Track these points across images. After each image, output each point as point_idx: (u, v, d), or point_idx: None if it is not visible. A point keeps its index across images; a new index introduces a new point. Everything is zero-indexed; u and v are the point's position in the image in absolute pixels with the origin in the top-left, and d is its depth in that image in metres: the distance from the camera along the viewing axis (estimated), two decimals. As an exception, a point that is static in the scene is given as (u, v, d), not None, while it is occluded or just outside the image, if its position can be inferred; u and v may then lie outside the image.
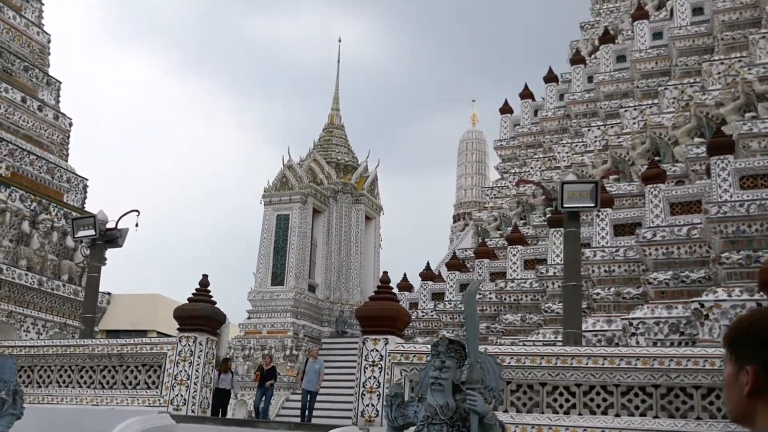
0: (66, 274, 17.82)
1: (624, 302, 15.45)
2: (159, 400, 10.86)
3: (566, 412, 8.30)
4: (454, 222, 43.52)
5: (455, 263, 21.98)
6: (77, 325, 16.99)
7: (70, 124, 19.61)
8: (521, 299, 18.55)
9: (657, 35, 21.95)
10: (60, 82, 19.72)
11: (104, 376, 11.54)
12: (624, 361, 8.03)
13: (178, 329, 11.20)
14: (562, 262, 16.97)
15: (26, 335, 16.55)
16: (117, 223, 13.52)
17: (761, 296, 11.92)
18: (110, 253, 14.89)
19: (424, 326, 21.61)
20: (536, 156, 25.17)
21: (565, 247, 10.57)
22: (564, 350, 8.56)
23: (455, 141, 47.04)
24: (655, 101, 20.35)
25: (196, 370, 10.79)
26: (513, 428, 8.22)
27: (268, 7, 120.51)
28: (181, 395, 10.67)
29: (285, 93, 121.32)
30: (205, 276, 11.59)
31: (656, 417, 7.89)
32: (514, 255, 19.04)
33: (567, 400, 8.36)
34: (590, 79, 24.39)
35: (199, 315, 11.04)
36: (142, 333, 35.93)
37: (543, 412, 8.38)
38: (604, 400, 8.20)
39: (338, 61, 32.78)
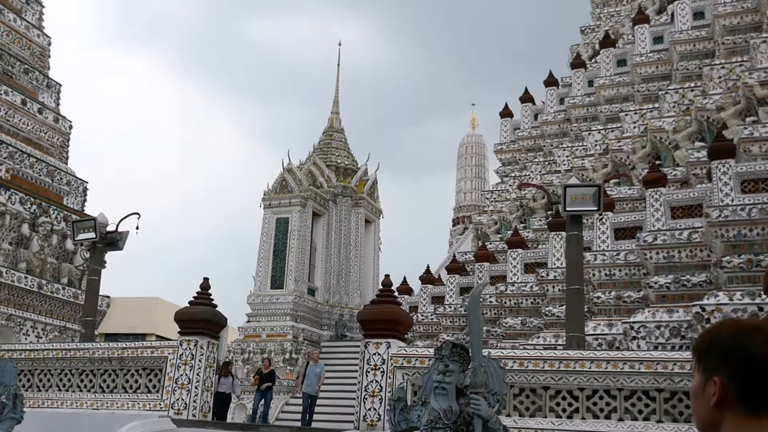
0: (66, 277, 17.78)
1: (625, 306, 15.43)
2: (160, 404, 10.83)
3: (569, 417, 8.28)
4: (454, 225, 43.52)
5: (455, 267, 21.96)
6: (77, 329, 16.95)
7: (70, 127, 19.59)
8: (521, 303, 18.53)
9: (658, 39, 21.96)
10: (60, 85, 19.70)
11: (105, 380, 11.50)
12: (627, 365, 8.00)
13: (179, 333, 11.17)
14: (563, 266, 17.00)
15: (26, 339, 16.50)
16: (117, 226, 13.49)
17: (762, 300, 11.91)
18: (109, 256, 14.86)
19: (424, 330, 21.58)
20: (536, 160, 25.16)
21: (568, 251, 10.55)
22: (567, 354, 8.54)
23: (455, 145, 47.08)
24: (656, 105, 20.35)
25: (197, 374, 10.76)
26: (516, 432, 8.20)
27: (268, 10, 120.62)
28: (182, 399, 10.64)
29: (285, 96, 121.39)
30: (206, 279, 11.57)
31: (660, 421, 7.87)
32: (515, 258, 19.02)
33: (570, 405, 8.34)
34: (591, 83, 24.39)
35: (200, 318, 11.02)
36: (141, 336, 35.88)
37: (546, 417, 8.36)
38: (608, 404, 8.18)
39: (338, 65, 32.78)
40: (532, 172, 24.54)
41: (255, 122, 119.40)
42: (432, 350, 8.99)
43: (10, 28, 18.88)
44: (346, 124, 32.98)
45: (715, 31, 19.09)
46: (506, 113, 28.43)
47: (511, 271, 18.99)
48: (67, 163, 19.48)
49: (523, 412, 8.42)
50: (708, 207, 12.99)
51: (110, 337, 33.96)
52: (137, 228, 13.49)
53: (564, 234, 17.39)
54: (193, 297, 11.39)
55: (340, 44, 33.22)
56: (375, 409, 8.97)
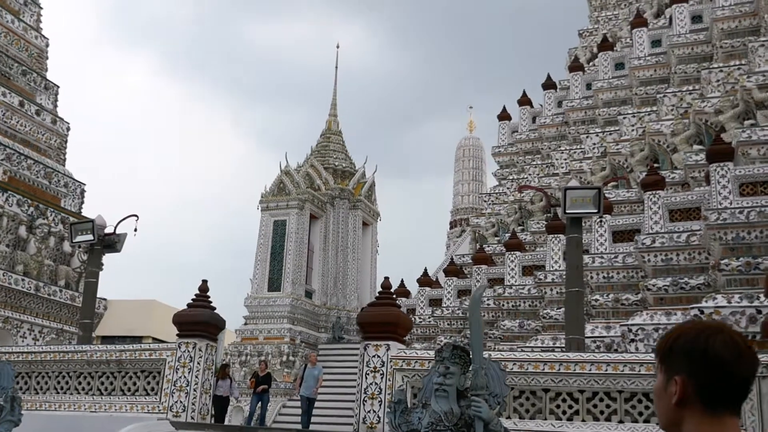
0: (63, 280, 17.73)
1: (623, 308, 15.43)
2: (158, 406, 10.79)
3: (569, 419, 8.27)
4: (451, 228, 43.54)
5: (453, 269, 21.95)
6: (74, 331, 16.91)
7: (68, 129, 19.54)
8: (519, 305, 18.52)
9: (656, 43, 22.00)
10: (58, 86, 19.67)
11: (102, 383, 11.46)
12: (628, 368, 8.00)
13: (177, 335, 11.14)
14: (561, 269, 17.02)
15: (22, 341, 16.45)
16: (115, 228, 13.44)
17: (761, 302, 11.92)
18: (105, 258, 14.81)
19: (421, 332, 21.56)
20: (534, 162, 25.18)
21: (568, 253, 10.55)
22: (567, 356, 8.53)
23: (452, 147, 47.12)
24: (654, 108, 20.38)
25: (196, 377, 10.73)
26: (516, 435, 8.18)
27: (266, 13, 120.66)
28: (181, 402, 10.61)
29: (283, 98, 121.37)
30: (204, 282, 11.54)
31: (660, 424, 7.86)
32: (512, 261, 19.02)
33: (570, 407, 8.32)
34: (589, 86, 24.42)
35: (199, 321, 10.99)
36: (138, 339, 35.78)
37: (546, 419, 8.35)
38: (608, 406, 8.17)
39: (336, 67, 32.78)
40: (530, 175, 24.55)
41: (253, 124, 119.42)
42: (432, 352, 8.98)
43: (8, 30, 18.84)
44: (344, 126, 33.01)
45: (713, 35, 19.13)
46: (504, 116, 28.46)
47: (509, 274, 18.98)
48: (64, 165, 19.43)
49: (523, 414, 8.41)
50: (706, 210, 13.01)
51: (107, 339, 33.86)
52: (135, 230, 13.45)
53: (562, 237, 17.43)
54: (192, 299, 11.36)
55: (338, 47, 33.22)
56: (374, 411, 8.95)
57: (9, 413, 8.27)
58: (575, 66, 25.77)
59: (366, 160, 32.16)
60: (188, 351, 10.83)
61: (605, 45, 24.35)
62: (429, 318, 21.59)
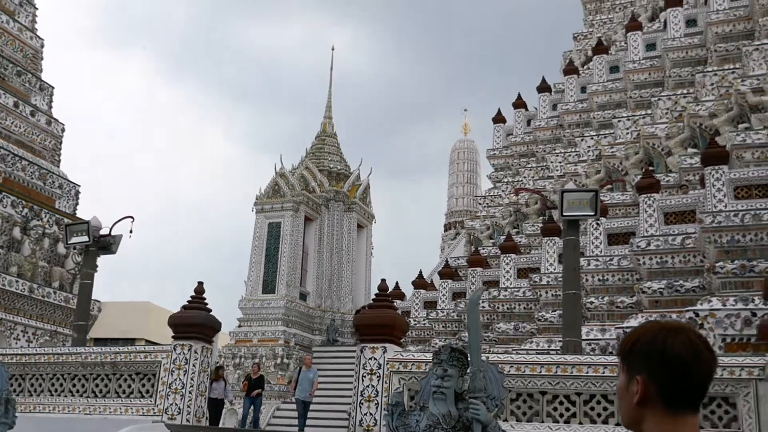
0: (57, 281, 17.65)
1: (618, 311, 15.46)
2: (153, 409, 10.75)
3: (566, 422, 8.27)
4: (446, 231, 43.56)
5: (448, 272, 21.96)
6: (68, 333, 16.84)
7: (63, 130, 19.47)
8: (514, 308, 18.54)
9: (650, 46, 22.07)
10: (53, 87, 19.59)
11: (97, 385, 11.40)
12: (624, 370, 7.99)
13: (172, 337, 11.09)
14: (556, 271, 17.04)
15: (16, 343, 16.37)
16: (111, 229, 13.39)
17: (756, 305, 11.96)
18: (99, 259, 14.74)
19: (416, 335, 21.55)
20: (529, 165, 25.22)
21: (565, 255, 10.57)
22: (564, 359, 8.53)
23: (447, 150, 47.17)
24: (649, 112, 20.44)
25: (191, 379, 10.69)
26: (513, 437, 8.18)
27: (260, 15, 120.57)
28: (176, 404, 10.57)
29: (278, 101, 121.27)
30: (200, 283, 11.50)
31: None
32: (508, 264, 19.03)
33: (567, 409, 8.32)
34: (583, 90, 24.48)
35: (195, 323, 10.95)
36: (131, 341, 35.69)
37: (543, 422, 8.35)
38: (605, 409, 8.17)
39: (331, 69, 32.77)
40: (524, 177, 24.59)
41: (247, 126, 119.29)
42: (428, 355, 8.97)
43: (3, 30, 18.78)
44: (339, 128, 33.01)
45: (707, 39, 19.21)
46: (499, 119, 28.50)
47: (504, 277, 18.99)
48: (59, 166, 19.36)
49: (521, 417, 8.41)
50: (701, 213, 13.04)
51: (100, 341, 33.75)
52: (131, 232, 13.41)
53: (557, 239, 17.47)
54: (188, 301, 11.33)
55: (333, 49, 33.20)
56: (371, 414, 8.94)
57: (3, 416, 8.22)
58: (570, 69, 25.84)
59: (361, 162, 32.18)
60: (184, 353, 10.79)
61: (600, 48, 24.42)
62: (424, 320, 21.59)
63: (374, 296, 9.82)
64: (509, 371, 8.20)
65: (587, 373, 8.15)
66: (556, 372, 8.25)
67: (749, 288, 12.21)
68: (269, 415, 23.16)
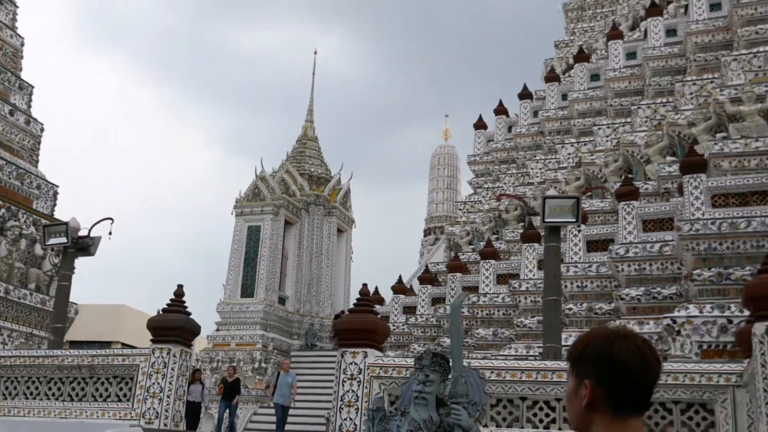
0: (33, 283, 17.43)
1: (596, 318, 15.57)
2: (131, 413, 10.64)
3: (546, 427, 8.30)
4: (425, 236, 43.63)
5: (427, 277, 21.99)
6: (44, 335, 16.63)
7: (42, 130, 19.25)
8: (493, 314, 18.60)
9: (631, 55, 22.29)
10: (32, 87, 19.36)
11: (74, 388, 11.27)
12: (604, 376, 8.03)
13: (151, 340, 11.00)
14: (535, 277, 17.13)
15: (-10, 345, 16.14)
16: (90, 231, 13.26)
17: (732, 312, 12.09)
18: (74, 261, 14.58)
19: (395, 340, 21.55)
20: (510, 172, 25.34)
21: (546, 262, 10.62)
22: (544, 365, 8.57)
23: (428, 155, 47.30)
24: (628, 120, 20.63)
25: (170, 383, 10.60)
26: (493, 443, 8.19)
27: (243, 17, 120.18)
28: (154, 408, 10.47)
29: (259, 104, 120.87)
30: (180, 286, 11.42)
31: None
32: (487, 269, 19.09)
33: (547, 415, 8.36)
34: (564, 97, 24.65)
35: (174, 326, 10.86)
36: (106, 344, 35.31)
37: (523, 427, 8.37)
38: (584, 415, 8.19)
39: (313, 74, 32.76)
40: (505, 183, 24.71)
41: (229, 129, 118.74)
42: (409, 360, 8.96)
43: (-19, 28, 18.55)
44: (321, 132, 32.97)
45: (687, 48, 19.43)
46: (480, 125, 28.62)
47: (484, 282, 19.05)
48: (37, 167, 19.14)
49: (500, 422, 8.43)
50: (679, 220, 13.17)
51: (75, 344, 33.34)
52: (110, 233, 13.29)
53: (537, 246, 17.57)
54: (167, 304, 11.24)
55: (315, 53, 33.22)
56: (351, 419, 8.91)
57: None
58: (551, 77, 26.02)
59: (342, 166, 32.19)
60: (162, 357, 10.70)
61: (581, 56, 24.62)
62: (403, 325, 21.59)
63: (355, 301, 9.80)
64: (490, 377, 8.23)
65: (567, 379, 8.18)
66: (537, 378, 8.28)
67: (726, 295, 12.34)
68: (246, 420, 23.03)
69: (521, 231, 19.46)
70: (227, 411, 18.21)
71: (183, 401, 10.95)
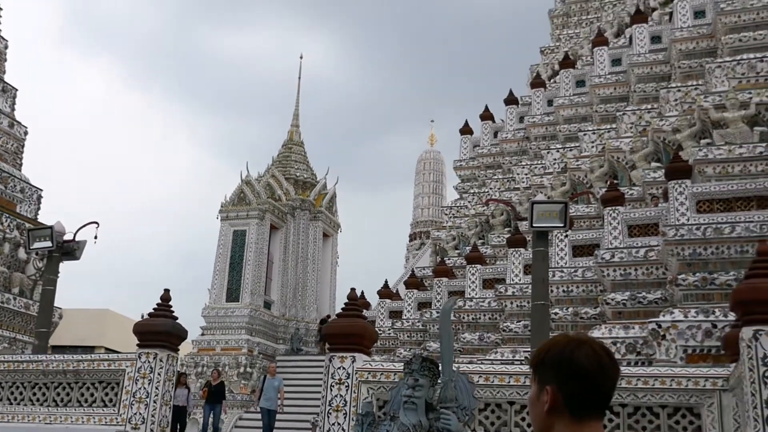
0: (17, 287, 17.29)
1: (581, 322, 15.64)
2: (116, 418, 10.55)
3: None
4: (411, 241, 43.69)
5: (413, 282, 22.01)
6: (27, 340, 16.49)
7: (26, 133, 19.11)
8: (479, 318, 18.64)
9: (616, 62, 22.46)
10: (16, 90, 19.22)
11: (59, 394, 11.16)
12: (591, 381, 8.06)
13: (137, 345, 10.91)
14: (521, 282, 17.19)
15: (-27, 350, 15.98)
16: (75, 235, 13.16)
17: (716, 317, 12.18)
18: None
19: (381, 344, 21.53)
20: (496, 177, 25.43)
21: (534, 266, 10.66)
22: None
23: (413, 161, 47.40)
24: (614, 126, 20.76)
25: (156, 388, 10.52)
26: (481, 447, 8.20)
27: (229, 22, 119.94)
28: (140, 413, 10.39)
29: (245, 108, 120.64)
30: (166, 291, 11.35)
31: (623, 436, 7.96)
32: (473, 274, 19.14)
33: (535, 420, 8.36)
34: (550, 103, 24.78)
35: (161, 330, 10.78)
36: (90, 349, 35.07)
37: (511, 431, 8.39)
38: (572, 419, 8.21)
39: (299, 78, 32.80)
40: (491, 189, 24.79)
41: (214, 133, 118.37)
42: (398, 364, 8.95)
43: (-35, 30, 18.39)
44: (307, 137, 32.99)
45: (671, 55, 19.59)
46: (466, 130, 28.71)
47: (470, 287, 19.10)
48: (21, 170, 18.99)
49: (489, 427, 8.44)
50: (664, 226, 13.25)
51: (58, 349, 33.09)
52: (95, 237, 13.20)
53: (523, 250, 17.64)
54: (153, 308, 11.16)
55: (301, 57, 33.32)
56: (339, 424, 8.89)
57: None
58: (537, 82, 26.16)
59: (327, 171, 32.17)
60: (149, 361, 10.62)
61: (566, 62, 24.77)
62: (389, 330, 21.59)
63: (344, 305, 9.78)
64: (478, 381, 8.23)
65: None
66: (525, 382, 8.29)
67: (710, 300, 12.44)
68: (231, 425, 22.93)
69: (507, 236, 19.53)
70: (212, 414, 18.13)
71: (170, 407, 10.88)
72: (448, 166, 39.55)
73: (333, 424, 8.94)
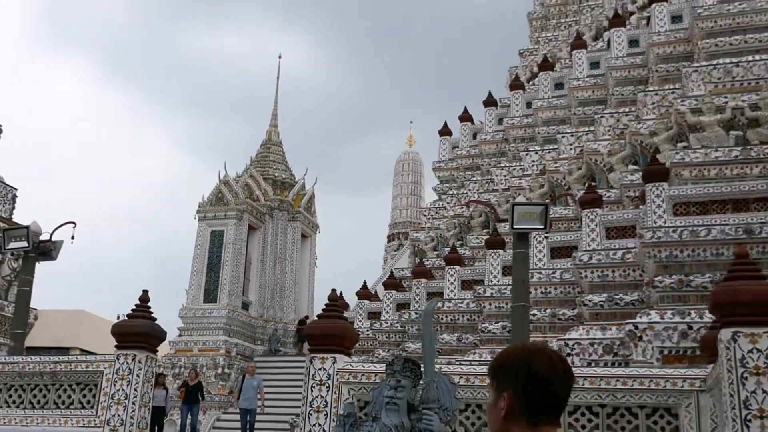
0: (-9, 288, 17.07)
1: (559, 323, 15.74)
2: (94, 420, 10.46)
3: None
4: (389, 242, 43.70)
5: (392, 283, 22.02)
6: (2, 342, 16.29)
7: (0, 132, 18.88)
8: (458, 319, 18.70)
9: (594, 65, 22.63)
10: (-9, 88, 19.02)
11: (35, 395, 11.04)
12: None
13: (116, 346, 10.83)
14: (500, 283, 17.28)
15: (-54, 351, 15.74)
16: (51, 235, 13.02)
17: (692, 318, 12.33)
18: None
19: (360, 345, 21.50)
20: (474, 178, 25.52)
21: (514, 268, 10.73)
22: (512, 370, 8.62)
23: (392, 162, 47.43)
24: (592, 128, 20.93)
25: (135, 390, 10.45)
26: (461, 448, 8.23)
27: (206, 21, 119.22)
28: (119, 415, 10.31)
29: (223, 108, 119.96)
30: (145, 291, 11.27)
31: (602, 437, 8.04)
32: (452, 275, 19.20)
33: (515, 420, 8.40)
34: (529, 105, 24.91)
35: (139, 332, 10.70)
36: (65, 351, 34.65)
37: None
38: (552, 420, 8.27)
39: (278, 78, 32.72)
40: (470, 190, 24.87)
41: (192, 133, 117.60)
42: (379, 365, 8.97)
43: (-61, 27, 18.11)
44: (285, 137, 32.88)
45: (649, 59, 19.79)
46: (445, 132, 28.77)
47: (448, 288, 19.15)
48: (-5, 169, 18.76)
49: (469, 427, 8.48)
50: (641, 228, 13.39)
51: (33, 350, 32.66)
52: (72, 238, 13.07)
53: (501, 252, 17.72)
54: (132, 309, 11.09)
55: (280, 57, 33.23)
56: (320, 425, 8.88)
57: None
58: (516, 84, 26.28)
59: (306, 171, 32.09)
60: (127, 363, 10.54)
61: (545, 65, 24.92)
62: (368, 331, 21.58)
63: (324, 306, 9.77)
64: (459, 382, 8.27)
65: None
66: (505, 383, 8.36)
67: (686, 302, 12.59)
68: (209, 426, 22.81)
69: (486, 237, 19.61)
70: (189, 415, 18.02)
71: (149, 408, 10.81)
72: (426, 168, 39.70)
73: (314, 425, 8.93)
